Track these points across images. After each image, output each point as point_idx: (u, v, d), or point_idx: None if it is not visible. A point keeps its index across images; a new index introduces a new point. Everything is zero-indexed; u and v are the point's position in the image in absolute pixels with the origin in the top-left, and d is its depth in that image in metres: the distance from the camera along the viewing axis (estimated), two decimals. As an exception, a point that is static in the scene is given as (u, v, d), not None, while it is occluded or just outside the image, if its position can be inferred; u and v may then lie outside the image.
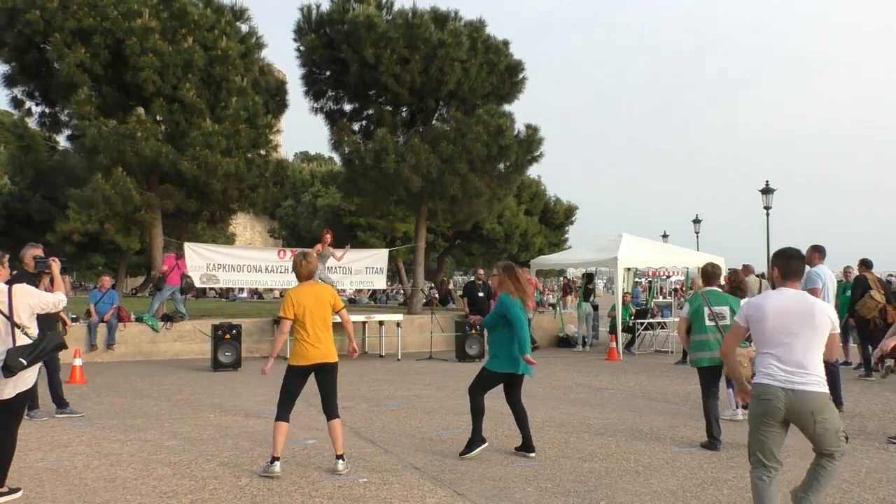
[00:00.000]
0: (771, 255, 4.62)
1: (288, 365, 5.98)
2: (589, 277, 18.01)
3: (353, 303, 29.68)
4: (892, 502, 5.32)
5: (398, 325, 15.16)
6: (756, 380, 4.26)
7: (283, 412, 5.87)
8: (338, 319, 6.18)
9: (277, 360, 6.29)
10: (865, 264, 11.85)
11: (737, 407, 8.23)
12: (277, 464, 5.83)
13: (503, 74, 17.54)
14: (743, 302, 4.52)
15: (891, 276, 18.72)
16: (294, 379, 5.92)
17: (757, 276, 13.77)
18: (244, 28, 16.72)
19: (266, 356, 14.91)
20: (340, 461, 5.96)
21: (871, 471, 6.14)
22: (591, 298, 17.32)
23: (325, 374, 5.96)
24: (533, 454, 6.56)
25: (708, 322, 7.08)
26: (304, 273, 6.03)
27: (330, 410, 5.96)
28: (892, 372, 11.44)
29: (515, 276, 6.58)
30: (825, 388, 4.17)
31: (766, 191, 27.86)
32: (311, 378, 5.99)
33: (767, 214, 27.96)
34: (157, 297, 15.11)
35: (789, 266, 4.42)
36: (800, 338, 4.17)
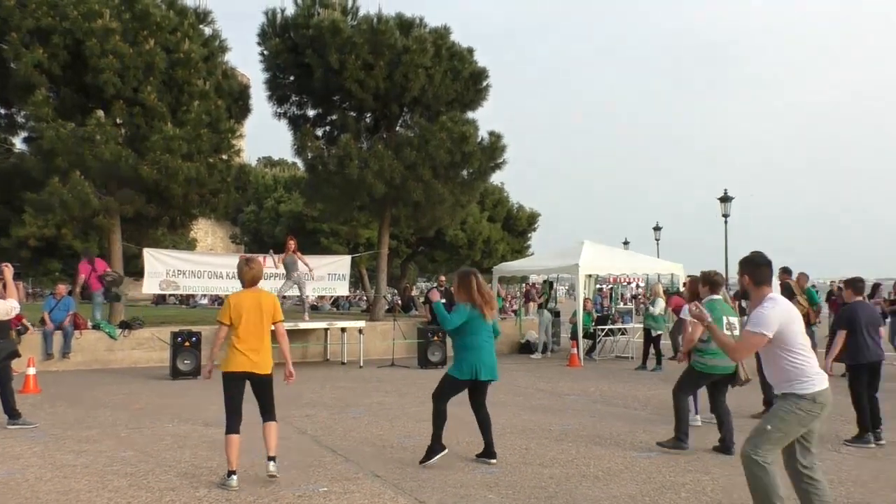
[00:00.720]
0: (738, 262, 4.68)
1: (221, 372, 5.90)
2: (549, 285, 18.15)
3: (315, 309, 29.46)
4: (843, 503, 5.46)
5: (360, 331, 15.09)
6: (819, 386, 4.33)
7: (231, 424, 5.76)
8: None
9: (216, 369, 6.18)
10: (786, 271, 12.33)
11: (696, 412, 8.33)
12: (234, 478, 5.72)
13: (467, 81, 17.60)
14: (765, 309, 4.46)
15: (833, 282, 19.40)
16: (229, 386, 5.80)
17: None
18: (207, 31, 16.56)
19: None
20: (272, 463, 5.85)
21: (824, 472, 6.26)
22: (553, 305, 17.45)
23: (258, 386, 5.85)
24: (494, 461, 6.58)
25: (725, 331, 6.99)
26: (247, 278, 5.93)
27: (265, 413, 5.90)
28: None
29: (467, 283, 6.52)
30: None
31: (725, 199, 28.34)
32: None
33: (726, 222, 28.45)
34: (94, 309, 14.79)
35: (760, 272, 4.53)
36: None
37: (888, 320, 15.15)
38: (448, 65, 17.06)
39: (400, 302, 26.56)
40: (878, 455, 6.98)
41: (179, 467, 6.41)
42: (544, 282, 18.58)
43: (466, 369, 6.45)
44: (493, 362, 6.55)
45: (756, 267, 4.55)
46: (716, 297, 7.36)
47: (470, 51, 17.60)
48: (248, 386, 5.89)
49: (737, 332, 7.05)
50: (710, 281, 7.48)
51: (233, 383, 5.80)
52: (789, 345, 4.36)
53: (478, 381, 6.49)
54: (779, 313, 4.36)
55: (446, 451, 6.52)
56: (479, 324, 6.45)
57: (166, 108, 14.97)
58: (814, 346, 15.00)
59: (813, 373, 4.36)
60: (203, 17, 16.39)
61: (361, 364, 14.63)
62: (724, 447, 7.00)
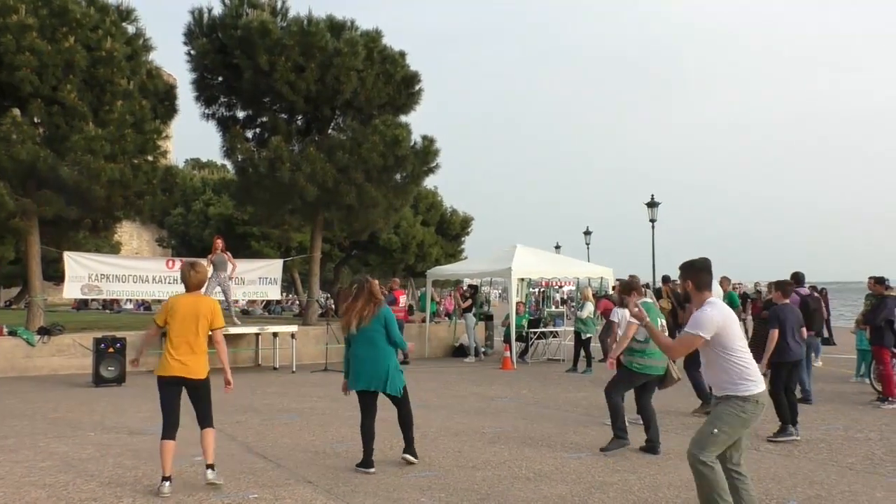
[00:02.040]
0: (680, 266, 4.81)
1: (156, 377, 5.82)
2: (474, 289, 18.30)
3: (246, 314, 28.94)
4: (761, 500, 5.65)
5: (293, 336, 14.91)
6: (761, 388, 4.49)
7: (166, 429, 5.68)
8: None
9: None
10: (665, 280, 13.48)
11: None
12: (167, 484, 5.62)
13: (399, 85, 17.57)
14: (703, 312, 4.58)
15: (740, 284, 20.25)
16: (163, 391, 5.75)
17: (643, 286, 14.49)
18: (131, 29, 16.03)
19: (152, 370, 14.35)
20: (210, 471, 5.76)
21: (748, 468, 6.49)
22: (486, 309, 17.54)
23: (192, 391, 5.76)
24: (415, 460, 6.59)
25: None
26: (192, 283, 5.85)
27: (202, 420, 5.80)
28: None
29: (344, 293, 6.58)
30: None
31: (652, 204, 29.06)
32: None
33: (653, 227, 29.17)
34: None
35: (702, 277, 4.67)
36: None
37: None
38: (380, 68, 17.00)
39: (333, 306, 26.34)
40: (795, 453, 7.27)
41: (102, 477, 6.20)
42: (469, 286, 18.73)
43: (350, 378, 6.53)
44: (368, 371, 6.39)
45: (698, 272, 4.69)
46: (647, 300, 7.57)
47: (402, 54, 17.57)
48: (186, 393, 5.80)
49: (665, 334, 7.30)
50: (635, 287, 7.80)
51: (166, 388, 5.73)
52: (728, 348, 4.49)
53: (368, 391, 6.44)
54: (717, 316, 4.49)
55: (373, 470, 6.36)
56: (350, 335, 6.49)
57: (87, 108, 14.44)
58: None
59: (754, 375, 4.50)
60: (126, 14, 15.87)
61: (294, 369, 14.46)
62: (651, 447, 7.16)
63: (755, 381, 4.49)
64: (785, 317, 8.06)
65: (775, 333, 7.95)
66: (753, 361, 4.55)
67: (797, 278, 11.22)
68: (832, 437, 8.00)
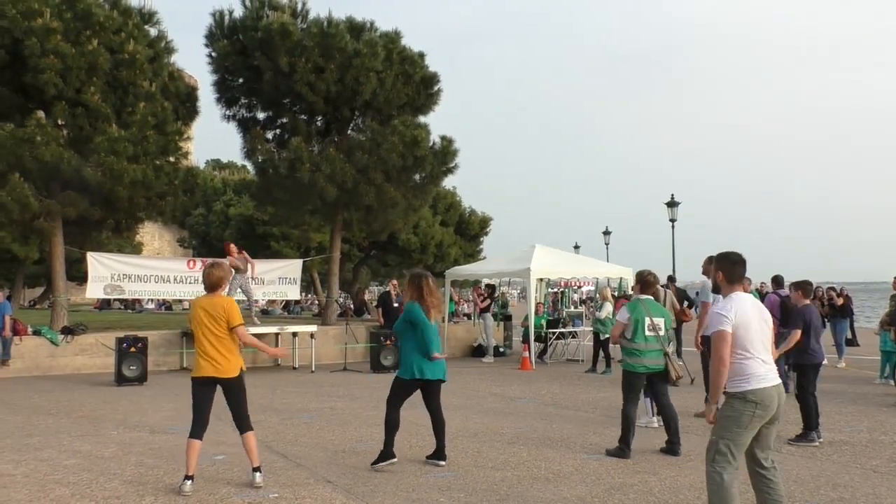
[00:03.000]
0: (715, 257, 4.76)
1: (191, 378, 5.89)
2: (492, 289, 18.29)
3: (266, 314, 29.11)
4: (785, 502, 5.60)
5: (312, 336, 14.98)
6: (754, 385, 4.34)
7: (194, 428, 5.74)
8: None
9: (184, 373, 6.18)
10: (670, 280, 13.60)
11: (653, 414, 8.39)
12: (188, 482, 5.67)
13: (419, 86, 17.60)
14: (716, 308, 4.54)
15: (763, 283, 19.72)
16: (197, 391, 5.81)
17: (661, 285, 14.39)
18: (153, 32, 16.20)
19: (173, 370, 14.49)
20: (258, 474, 5.86)
21: (780, 472, 6.43)
22: (506, 309, 17.53)
23: (226, 390, 5.82)
24: (443, 463, 6.60)
25: (648, 333, 7.09)
26: (207, 283, 5.88)
27: (239, 425, 5.86)
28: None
29: (418, 284, 6.57)
30: None
31: (672, 204, 28.88)
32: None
33: (673, 227, 28.99)
34: None
35: (734, 271, 4.60)
36: (767, 337, 4.49)
37: (828, 323, 15.68)
38: (399, 69, 17.04)
39: (352, 306, 26.45)
40: (818, 455, 7.19)
41: (125, 475, 6.27)
42: (487, 286, 18.73)
43: (411, 369, 6.49)
44: (439, 363, 6.59)
45: (733, 264, 4.62)
46: (644, 296, 7.41)
47: (421, 55, 17.60)
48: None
49: (662, 332, 7.17)
50: (641, 280, 7.59)
51: (197, 388, 5.81)
52: (738, 344, 4.41)
53: (425, 381, 6.50)
54: (735, 310, 4.42)
55: (396, 459, 6.47)
56: (426, 318, 6.52)
57: (111, 110, 14.62)
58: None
59: (749, 372, 4.37)
60: (148, 17, 16.04)
61: (313, 369, 14.52)
62: (671, 449, 7.11)
63: (748, 378, 4.36)
64: (811, 318, 7.99)
65: (798, 333, 7.86)
66: (758, 359, 4.39)
67: (777, 280, 11.80)
68: (856, 440, 7.90)
